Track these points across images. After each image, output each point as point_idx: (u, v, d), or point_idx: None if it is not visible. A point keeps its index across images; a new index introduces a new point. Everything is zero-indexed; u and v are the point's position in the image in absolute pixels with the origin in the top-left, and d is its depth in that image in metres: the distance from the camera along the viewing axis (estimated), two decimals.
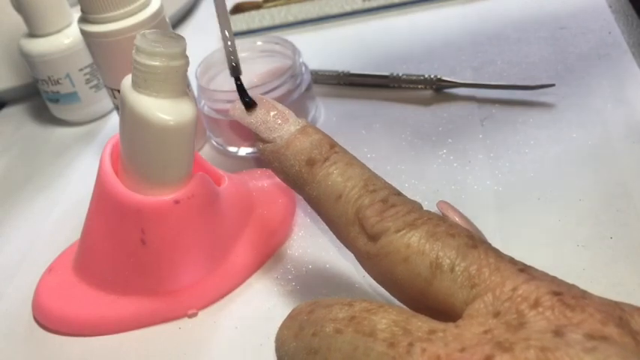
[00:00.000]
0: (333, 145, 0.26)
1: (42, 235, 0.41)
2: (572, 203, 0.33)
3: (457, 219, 0.28)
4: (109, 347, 0.32)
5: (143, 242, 0.30)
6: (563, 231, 0.31)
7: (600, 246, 0.30)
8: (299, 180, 0.25)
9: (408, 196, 0.36)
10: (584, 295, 0.18)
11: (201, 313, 0.32)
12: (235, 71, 0.30)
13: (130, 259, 0.31)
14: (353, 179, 0.24)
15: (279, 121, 0.27)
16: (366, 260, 0.23)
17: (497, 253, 0.20)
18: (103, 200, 0.31)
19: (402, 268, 0.21)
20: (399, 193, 0.24)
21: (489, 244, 0.21)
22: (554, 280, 0.19)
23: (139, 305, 0.32)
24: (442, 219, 0.22)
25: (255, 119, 0.27)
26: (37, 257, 0.38)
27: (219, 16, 0.30)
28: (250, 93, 0.41)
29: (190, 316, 0.32)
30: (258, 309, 0.32)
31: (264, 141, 0.27)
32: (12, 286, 0.37)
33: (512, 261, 0.20)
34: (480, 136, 0.39)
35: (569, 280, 0.28)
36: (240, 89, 0.29)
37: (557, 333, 0.16)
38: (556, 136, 0.37)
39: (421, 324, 0.18)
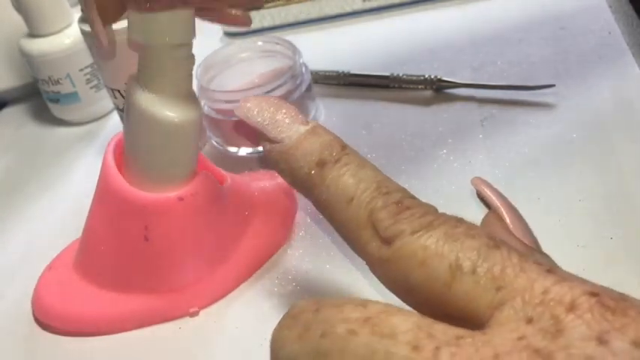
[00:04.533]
0: (344, 146, 0.25)
1: (42, 235, 0.41)
2: (572, 203, 0.33)
3: (493, 197, 0.27)
4: (110, 346, 0.32)
5: (146, 239, 0.30)
6: (563, 231, 0.31)
7: (600, 246, 0.30)
8: (307, 182, 0.24)
9: None
10: (623, 297, 0.17)
11: (201, 313, 0.32)
12: None
13: (132, 256, 0.31)
14: (365, 181, 0.23)
15: (288, 121, 0.26)
16: (378, 266, 0.22)
17: (521, 254, 0.19)
18: (106, 197, 0.31)
19: (418, 272, 0.20)
20: (413, 197, 0.23)
21: (513, 246, 0.20)
22: (586, 281, 0.18)
23: (140, 303, 0.32)
24: (460, 220, 0.21)
25: (262, 118, 0.26)
26: (37, 257, 0.38)
27: None
28: (251, 93, 0.41)
29: (192, 315, 0.32)
30: (258, 309, 0.32)
31: (271, 141, 0.26)
32: (12, 285, 0.37)
33: (537, 262, 0.19)
34: (480, 136, 0.39)
35: None
36: None
37: (601, 340, 0.15)
38: (556, 136, 0.37)
39: (446, 329, 0.17)
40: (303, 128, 0.26)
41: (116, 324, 0.32)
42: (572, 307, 0.16)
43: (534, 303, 0.17)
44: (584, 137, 0.37)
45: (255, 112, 0.27)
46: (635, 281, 0.28)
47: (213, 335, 0.31)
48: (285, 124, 0.26)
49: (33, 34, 0.48)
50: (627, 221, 0.31)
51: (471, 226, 0.21)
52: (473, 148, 0.38)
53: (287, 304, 0.32)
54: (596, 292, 0.17)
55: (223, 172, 0.34)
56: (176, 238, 0.30)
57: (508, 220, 0.26)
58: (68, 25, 0.48)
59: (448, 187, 0.36)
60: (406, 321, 0.17)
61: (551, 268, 0.18)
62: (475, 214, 0.33)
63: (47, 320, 0.33)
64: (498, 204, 0.26)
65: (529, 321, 0.17)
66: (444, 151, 0.38)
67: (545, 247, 0.31)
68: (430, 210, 0.22)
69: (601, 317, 0.16)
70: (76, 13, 0.41)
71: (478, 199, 0.35)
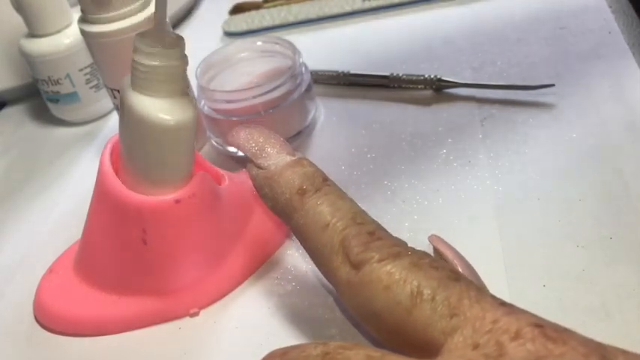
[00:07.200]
0: (325, 179, 0.26)
1: (42, 235, 0.41)
2: (572, 203, 0.33)
3: (448, 252, 0.28)
4: (110, 347, 0.32)
5: (144, 242, 0.30)
6: (563, 231, 0.31)
7: (600, 246, 0.30)
8: (287, 208, 0.26)
9: (408, 196, 0.36)
10: (566, 330, 0.18)
11: (201, 313, 0.32)
12: None
13: (131, 259, 0.31)
14: (342, 211, 0.24)
15: (275, 150, 0.27)
16: (346, 290, 0.23)
17: (478, 288, 0.21)
18: (103, 200, 0.31)
19: (382, 296, 0.21)
20: (385, 230, 0.24)
21: (472, 281, 0.21)
22: (535, 315, 0.19)
23: (140, 305, 0.32)
24: (427, 254, 0.22)
25: (251, 146, 0.28)
26: (37, 257, 0.38)
27: None
28: (251, 93, 0.41)
29: (192, 316, 0.32)
30: (258, 309, 0.32)
31: (258, 167, 0.27)
32: (12, 286, 0.37)
33: (493, 296, 0.20)
34: (480, 136, 0.39)
35: (569, 281, 0.29)
36: None
37: None
38: (556, 136, 0.37)
39: (397, 359, 0.18)
40: (289, 158, 0.27)
41: (117, 326, 0.32)
42: (516, 336, 0.17)
43: (483, 331, 0.18)
44: (584, 137, 0.37)
45: (245, 141, 0.28)
46: (635, 281, 0.28)
47: (213, 335, 0.31)
48: (272, 153, 0.27)
49: (33, 34, 0.48)
50: (627, 221, 0.31)
51: (436, 259, 0.22)
52: (473, 148, 0.38)
53: (287, 304, 0.31)
54: (541, 324, 0.18)
55: (221, 171, 0.34)
56: (174, 240, 0.30)
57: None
58: (68, 25, 0.48)
59: (448, 187, 0.36)
60: (358, 354, 0.19)
61: (505, 302, 0.20)
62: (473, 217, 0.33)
63: (49, 324, 0.33)
64: (453, 260, 0.28)
65: (475, 347, 0.18)
66: (444, 151, 0.38)
67: (545, 247, 0.31)
68: (400, 243, 0.23)
69: (542, 346, 0.17)
70: (76, 13, 0.40)
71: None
